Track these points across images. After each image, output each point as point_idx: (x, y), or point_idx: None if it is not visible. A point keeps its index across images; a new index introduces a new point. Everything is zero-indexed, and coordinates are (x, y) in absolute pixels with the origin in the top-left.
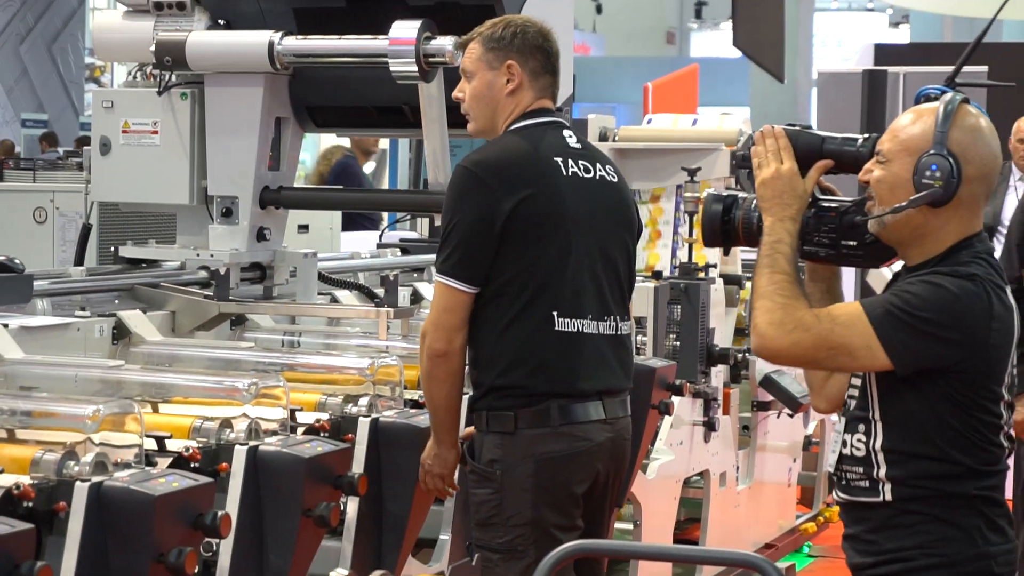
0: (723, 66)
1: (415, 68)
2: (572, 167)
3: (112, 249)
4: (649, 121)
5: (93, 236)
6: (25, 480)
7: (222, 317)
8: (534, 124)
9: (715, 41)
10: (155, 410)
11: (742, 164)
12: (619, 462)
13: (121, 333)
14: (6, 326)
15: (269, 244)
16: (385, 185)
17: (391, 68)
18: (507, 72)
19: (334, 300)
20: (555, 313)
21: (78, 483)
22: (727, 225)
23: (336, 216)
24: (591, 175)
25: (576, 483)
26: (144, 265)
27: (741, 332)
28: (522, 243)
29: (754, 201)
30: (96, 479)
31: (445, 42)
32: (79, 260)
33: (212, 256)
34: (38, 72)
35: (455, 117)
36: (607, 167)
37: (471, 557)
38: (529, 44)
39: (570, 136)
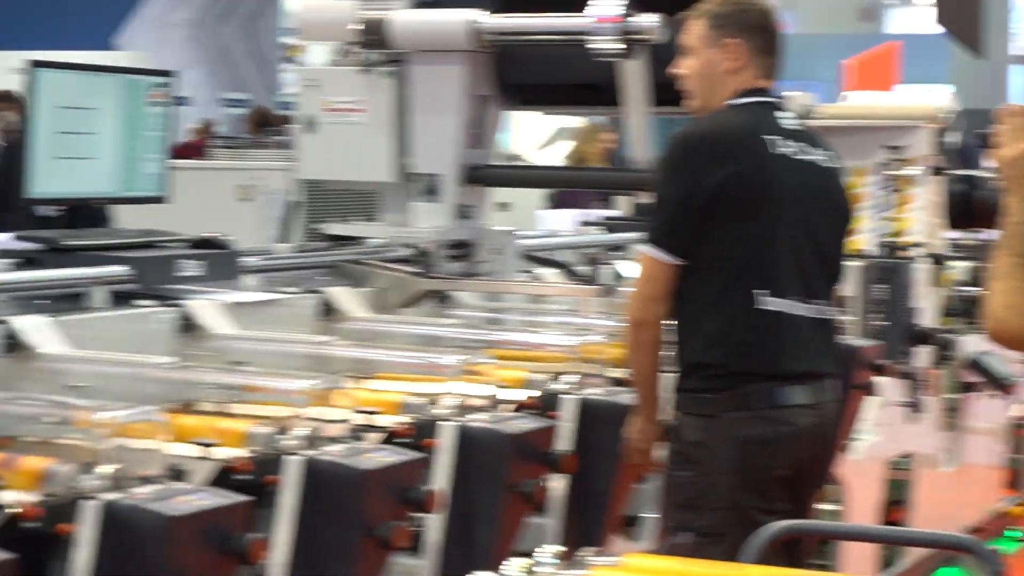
0: (920, 43)
1: (618, 45)
2: (785, 147)
3: (315, 226)
4: (846, 99)
5: (298, 213)
6: (240, 454)
7: (427, 294)
8: (751, 103)
9: (911, 17)
10: (362, 386)
11: (982, 143)
12: (822, 446)
13: (328, 309)
14: (217, 302)
15: (471, 222)
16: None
17: (593, 45)
18: (728, 50)
19: (536, 278)
20: (759, 292)
21: (290, 457)
22: (968, 205)
23: (536, 194)
24: (805, 157)
25: (778, 467)
26: (348, 242)
27: (947, 313)
28: (728, 219)
29: (995, 180)
30: (307, 453)
31: (648, 19)
32: (284, 237)
33: (416, 233)
34: (237, 52)
35: (657, 95)
36: (824, 150)
37: (673, 538)
38: (752, 23)
39: (787, 116)
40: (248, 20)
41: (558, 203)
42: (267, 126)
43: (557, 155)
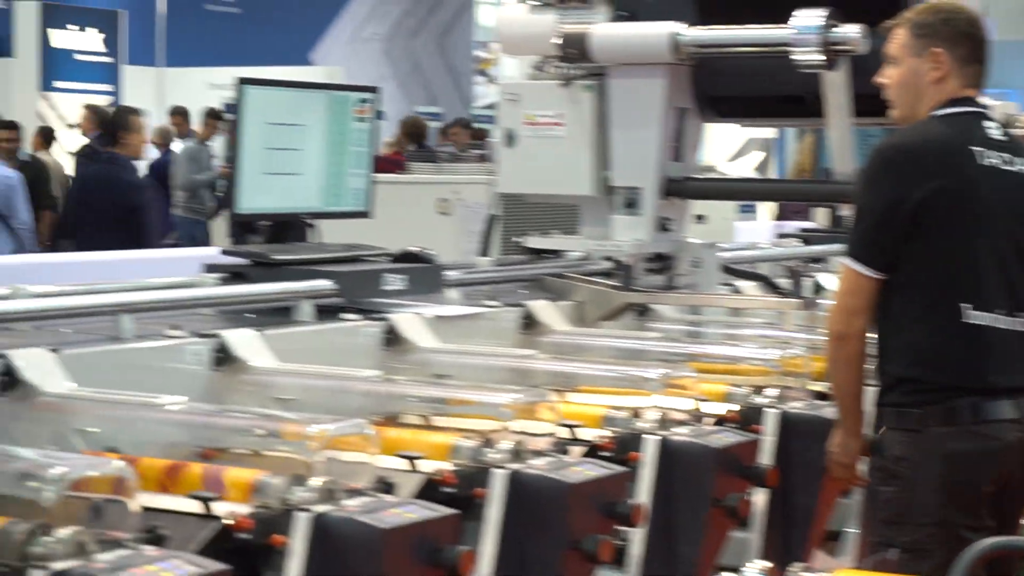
0: None
1: (820, 57)
2: (991, 158)
3: (514, 239)
4: None
5: (496, 226)
6: (445, 466)
7: (627, 307)
8: (956, 113)
9: None
10: (564, 399)
11: None
12: None
13: (529, 323)
14: (421, 315)
15: (671, 234)
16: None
17: (795, 57)
18: (933, 59)
19: (735, 291)
20: (964, 306)
21: (496, 470)
22: None
23: (731, 206)
24: (1011, 168)
25: (985, 482)
26: (548, 255)
27: None
28: (932, 232)
29: None
30: (513, 467)
31: (850, 30)
32: (484, 250)
33: (616, 247)
34: (429, 66)
35: (858, 105)
36: None
37: (878, 554)
38: (957, 31)
39: (994, 127)
40: (440, 34)
41: (781, 215)
42: (420, 137)
43: (748, 166)
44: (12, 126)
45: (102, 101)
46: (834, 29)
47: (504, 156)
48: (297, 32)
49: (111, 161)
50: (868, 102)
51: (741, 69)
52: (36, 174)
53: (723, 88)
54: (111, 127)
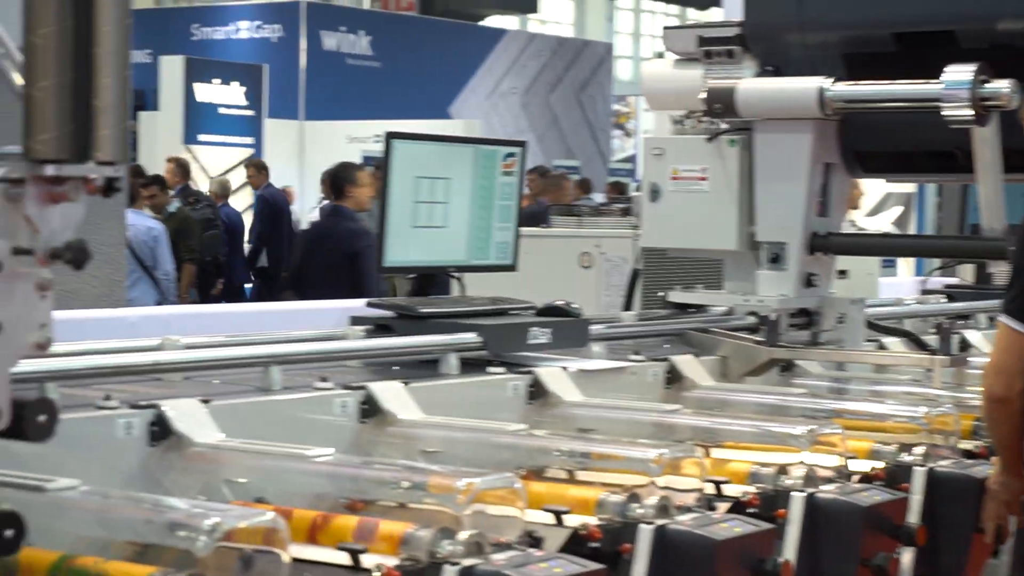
0: None
1: (970, 112)
2: None
3: (659, 294)
4: None
5: (639, 280)
6: (591, 521)
7: (772, 363)
8: None
9: None
10: (708, 455)
11: None
12: None
13: (674, 377)
14: (566, 369)
15: (816, 290)
16: (911, 230)
17: (944, 112)
18: None
19: (881, 347)
20: None
21: (643, 525)
22: None
23: (874, 261)
24: None
25: None
26: (692, 310)
27: None
28: None
29: None
30: (660, 522)
31: (1001, 85)
32: (628, 304)
33: (760, 301)
34: (567, 119)
35: (1009, 161)
36: None
37: None
38: None
39: None
40: (578, 88)
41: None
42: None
43: (887, 220)
44: (156, 180)
45: (244, 153)
46: (985, 84)
47: (648, 210)
48: (436, 85)
49: (335, 213)
50: (1019, 157)
51: (889, 124)
52: (180, 226)
53: (871, 143)
54: (338, 181)
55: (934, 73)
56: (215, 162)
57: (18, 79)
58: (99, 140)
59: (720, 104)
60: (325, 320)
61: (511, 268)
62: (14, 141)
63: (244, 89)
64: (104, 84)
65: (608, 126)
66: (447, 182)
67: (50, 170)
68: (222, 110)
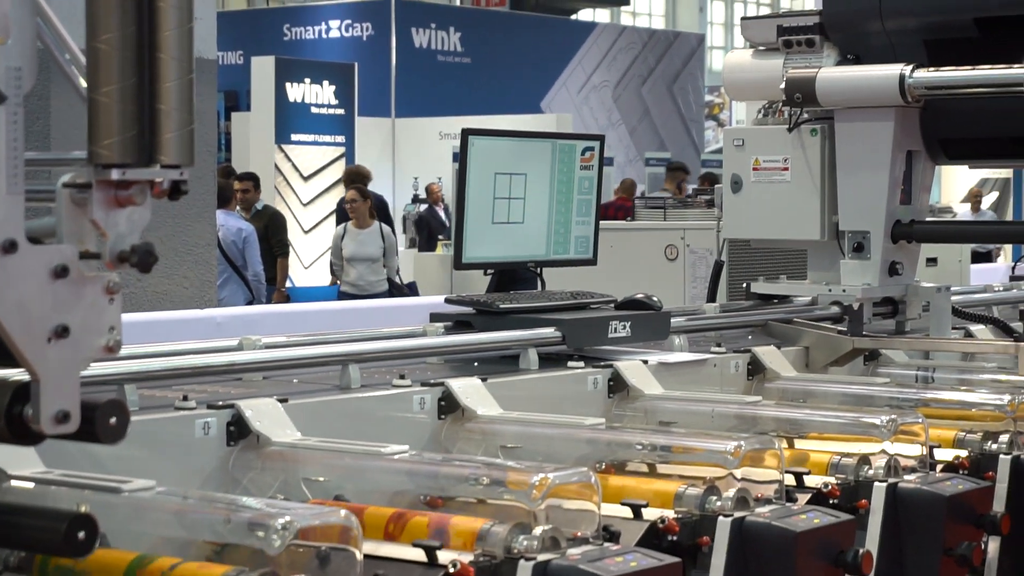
0: None
1: None
2: None
3: (743, 285)
4: None
5: (723, 272)
6: (669, 514)
7: (855, 352)
8: None
9: None
10: (791, 446)
11: None
12: None
13: (756, 369)
14: (646, 362)
15: (901, 278)
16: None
17: None
18: None
19: (967, 334)
20: None
21: (721, 518)
22: None
23: (964, 248)
24: None
25: None
26: (775, 301)
27: None
28: None
29: None
30: (738, 514)
31: None
32: (711, 296)
33: (844, 291)
34: (659, 111)
35: None
36: None
37: None
38: None
39: None
40: (670, 80)
41: None
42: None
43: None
44: (251, 177)
45: (336, 152)
46: None
47: (730, 202)
48: (527, 81)
49: None
50: None
51: (972, 110)
52: (269, 222)
53: (954, 130)
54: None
55: (1016, 58)
56: (307, 161)
57: (84, 83)
58: (163, 143)
59: (800, 93)
60: (408, 317)
61: (591, 262)
62: (80, 146)
63: (335, 88)
64: (167, 88)
65: (701, 117)
66: (525, 178)
67: (115, 174)
68: (314, 109)
